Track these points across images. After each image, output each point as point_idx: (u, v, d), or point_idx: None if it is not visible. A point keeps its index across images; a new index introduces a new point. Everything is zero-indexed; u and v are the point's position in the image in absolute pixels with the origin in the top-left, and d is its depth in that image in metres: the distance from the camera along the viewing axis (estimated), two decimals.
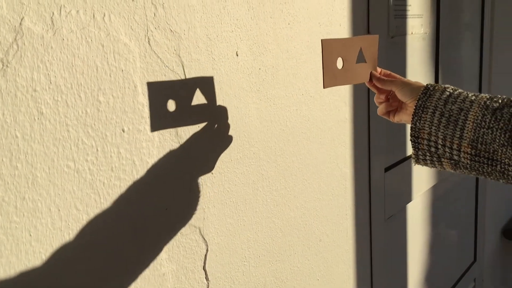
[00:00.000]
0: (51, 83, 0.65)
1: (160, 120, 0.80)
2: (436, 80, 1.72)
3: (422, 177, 1.71)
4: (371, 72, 0.92)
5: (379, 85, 0.91)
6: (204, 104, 0.87)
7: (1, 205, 0.62)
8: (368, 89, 1.19)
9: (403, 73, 1.53)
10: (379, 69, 0.93)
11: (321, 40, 0.83)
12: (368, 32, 1.31)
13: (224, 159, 0.92)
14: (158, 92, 0.79)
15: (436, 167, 0.80)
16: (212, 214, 0.91)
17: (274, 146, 1.04)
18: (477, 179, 2.24)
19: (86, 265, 0.72)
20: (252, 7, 0.93)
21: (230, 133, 0.93)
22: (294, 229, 1.13)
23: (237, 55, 0.92)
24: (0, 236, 0.62)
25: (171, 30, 0.79)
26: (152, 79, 0.77)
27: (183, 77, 0.82)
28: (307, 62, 1.09)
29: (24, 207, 0.64)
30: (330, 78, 0.86)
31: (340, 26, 1.19)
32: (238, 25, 0.91)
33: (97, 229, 0.72)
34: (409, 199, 1.65)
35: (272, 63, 1.00)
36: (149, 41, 0.76)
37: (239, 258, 0.98)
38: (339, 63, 0.87)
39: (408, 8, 1.48)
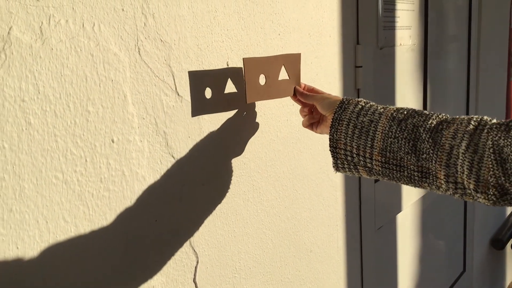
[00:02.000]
0: (39, 93, 0.64)
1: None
2: (425, 91, 1.74)
3: (411, 188, 1.71)
4: (295, 87, 0.97)
5: (302, 99, 0.96)
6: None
7: None
8: None
9: (392, 83, 1.54)
10: (303, 84, 0.99)
11: (243, 58, 0.87)
12: (358, 43, 1.32)
13: (215, 170, 0.92)
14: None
15: (354, 174, 0.85)
16: (203, 225, 0.90)
17: (265, 156, 1.03)
18: None
19: (74, 279, 0.70)
20: (242, 17, 0.93)
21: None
22: (285, 240, 1.12)
23: (227, 65, 0.91)
24: None
25: (161, 40, 0.78)
26: (142, 89, 0.76)
27: (173, 88, 0.81)
28: None
29: (11, 219, 0.63)
30: (252, 93, 0.89)
31: (330, 37, 1.20)
32: (228, 35, 0.91)
33: (85, 242, 0.71)
34: (399, 209, 1.66)
35: None
36: (139, 51, 0.75)
37: (229, 270, 0.97)
38: (262, 80, 0.91)
39: (397, 19, 1.49)
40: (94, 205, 0.72)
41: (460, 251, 2.32)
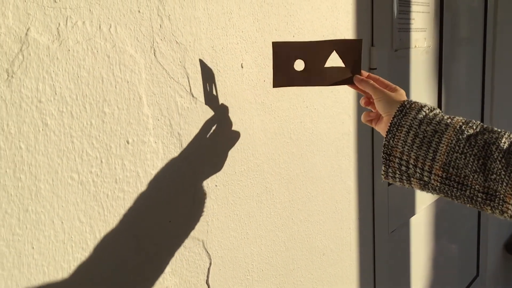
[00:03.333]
0: (56, 94, 0.65)
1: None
2: (440, 94, 1.72)
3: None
4: (355, 75, 0.89)
5: (358, 85, 0.88)
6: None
7: (4, 217, 0.61)
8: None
9: (407, 86, 1.53)
10: (366, 73, 0.90)
11: (272, 42, 0.84)
12: (372, 45, 1.31)
13: (228, 171, 0.92)
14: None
15: (404, 185, 0.80)
16: (216, 227, 0.90)
17: (278, 158, 1.03)
18: None
19: (88, 279, 0.70)
20: (257, 19, 0.93)
21: (235, 145, 0.92)
22: (297, 243, 1.11)
23: (242, 67, 0.91)
24: (2, 249, 0.61)
25: (176, 42, 0.79)
26: (158, 91, 0.76)
27: (188, 89, 0.81)
28: None
29: (27, 219, 0.63)
30: (281, 79, 0.86)
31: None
32: (243, 37, 0.91)
33: (100, 242, 0.71)
34: (412, 213, 1.64)
35: None
36: (154, 53, 0.75)
37: (242, 272, 0.97)
38: (299, 65, 0.86)
39: (412, 21, 1.48)
40: (109, 205, 0.72)
41: (474, 255, 2.30)
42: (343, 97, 1.20)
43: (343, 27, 1.18)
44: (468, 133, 0.72)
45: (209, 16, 0.84)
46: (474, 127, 0.73)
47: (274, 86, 0.87)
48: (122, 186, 0.73)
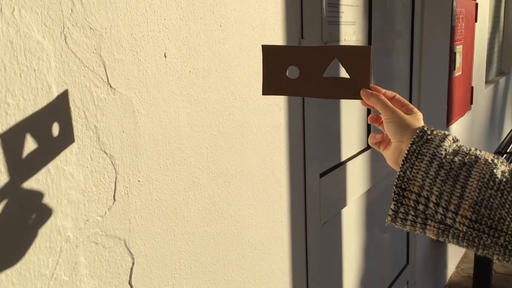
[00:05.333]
0: None
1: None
2: None
3: (356, 182, 1.72)
4: (362, 89, 0.76)
5: (365, 99, 0.75)
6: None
7: None
8: None
9: None
10: (381, 89, 0.77)
11: (262, 45, 0.77)
12: (302, 37, 1.30)
13: (153, 165, 0.87)
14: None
15: (415, 231, 0.66)
16: (139, 224, 0.86)
17: (206, 152, 1.00)
18: None
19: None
20: (181, 6, 0.89)
21: (159, 138, 0.88)
22: (227, 238, 1.09)
23: (165, 57, 0.87)
24: None
25: (90, 28, 0.73)
26: (70, 79, 0.71)
27: (105, 79, 0.76)
28: (240, 65, 1.06)
29: None
30: (272, 86, 0.78)
31: (273, 30, 1.17)
32: (166, 25, 0.87)
33: (10, 244, 0.65)
34: (343, 204, 1.66)
35: (203, 66, 0.96)
36: (65, 39, 0.70)
37: (168, 271, 0.93)
38: (293, 72, 0.77)
39: (341, 15, 1.49)
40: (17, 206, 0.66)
41: (404, 244, 2.37)
42: None
43: (272, 18, 1.17)
44: (503, 168, 0.62)
45: (127, 1, 0.79)
46: (505, 163, 0.63)
47: (263, 94, 0.79)
48: (30, 184, 0.68)
